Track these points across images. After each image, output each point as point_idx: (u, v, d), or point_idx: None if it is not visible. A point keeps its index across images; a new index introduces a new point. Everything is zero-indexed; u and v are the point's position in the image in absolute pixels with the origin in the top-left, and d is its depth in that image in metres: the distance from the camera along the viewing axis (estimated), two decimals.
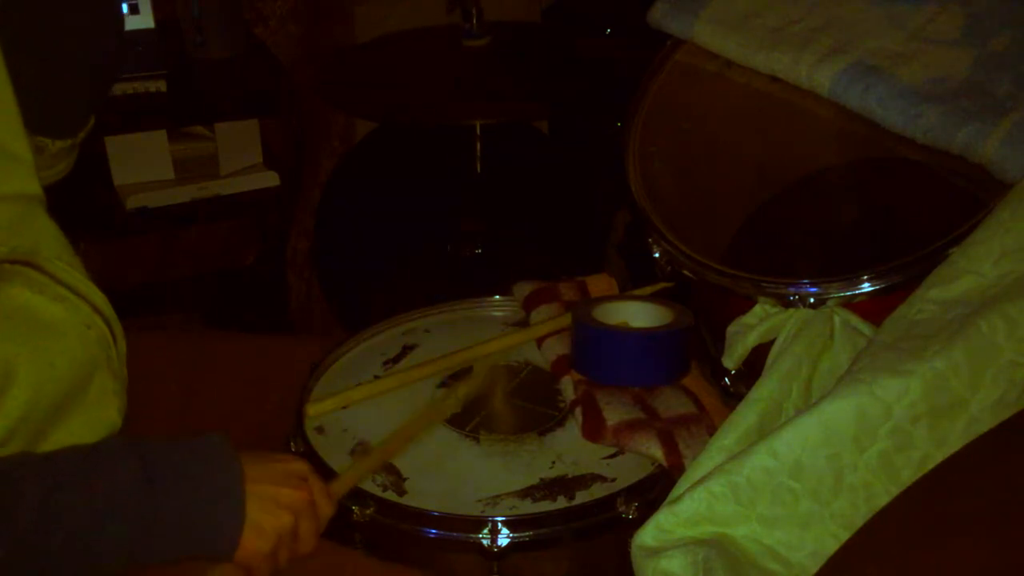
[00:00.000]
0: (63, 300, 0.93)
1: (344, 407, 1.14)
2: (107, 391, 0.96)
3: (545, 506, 1.01)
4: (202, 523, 0.84)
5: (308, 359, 1.20)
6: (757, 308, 1.12)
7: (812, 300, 1.07)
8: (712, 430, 1.04)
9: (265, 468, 0.88)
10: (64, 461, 0.82)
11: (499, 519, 0.98)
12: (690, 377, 1.16)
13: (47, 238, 0.96)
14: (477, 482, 1.04)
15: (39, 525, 0.78)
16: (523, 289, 1.31)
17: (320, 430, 1.12)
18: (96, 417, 0.95)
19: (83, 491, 0.80)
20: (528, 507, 1.01)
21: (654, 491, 1.02)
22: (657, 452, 1.04)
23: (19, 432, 0.88)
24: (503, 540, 0.98)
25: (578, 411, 1.11)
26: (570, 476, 1.05)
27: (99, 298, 0.97)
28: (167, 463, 0.83)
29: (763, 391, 1.00)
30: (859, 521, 0.86)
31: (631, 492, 1.01)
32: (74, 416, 0.93)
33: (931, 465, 0.87)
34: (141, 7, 1.91)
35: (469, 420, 1.12)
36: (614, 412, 1.09)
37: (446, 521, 0.99)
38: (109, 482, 0.80)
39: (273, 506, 0.86)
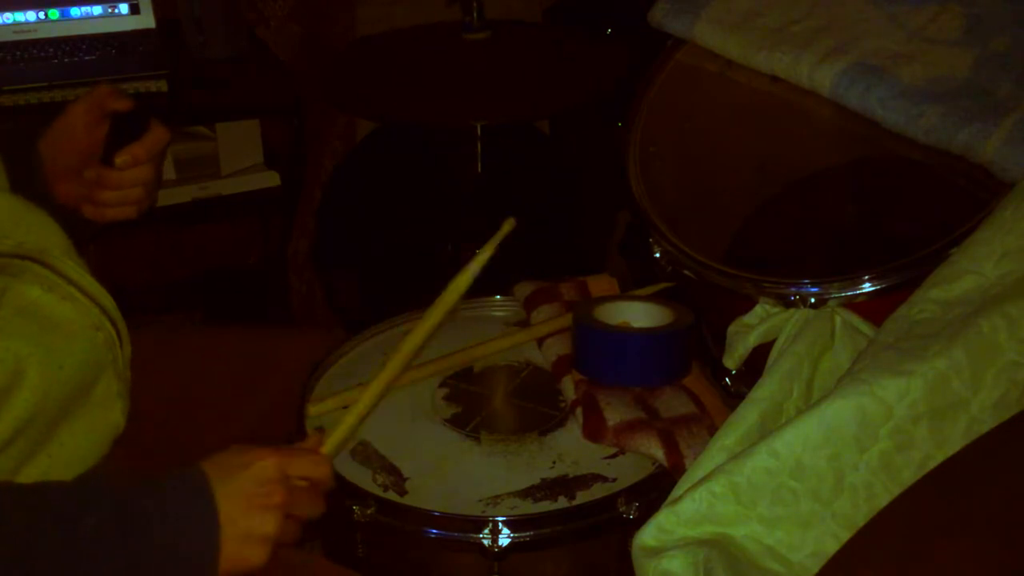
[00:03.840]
0: (73, 300, 0.93)
1: (345, 407, 1.14)
2: (112, 393, 0.96)
3: (546, 506, 1.01)
4: (177, 568, 0.81)
5: (307, 351, 1.19)
6: (758, 308, 1.12)
7: (813, 300, 1.08)
8: (713, 430, 1.04)
9: (235, 483, 0.84)
10: (44, 499, 0.80)
11: (500, 519, 0.98)
12: (691, 377, 1.16)
13: (54, 237, 0.96)
14: (478, 482, 1.04)
15: (13, 564, 0.76)
16: (524, 289, 1.31)
17: (321, 430, 1.12)
18: (100, 419, 0.95)
19: (59, 533, 0.78)
20: (529, 507, 1.01)
21: (655, 491, 1.01)
22: (658, 452, 1.04)
23: (25, 433, 0.88)
24: (504, 540, 0.98)
25: (579, 411, 1.11)
26: (571, 476, 1.05)
27: (107, 300, 0.96)
28: (141, 508, 0.81)
29: (764, 391, 1.00)
30: (860, 521, 0.86)
31: (632, 492, 1.01)
32: (79, 418, 0.93)
33: (932, 465, 0.87)
34: (142, 7, 1.92)
35: (470, 420, 1.12)
36: (615, 412, 1.09)
37: (447, 521, 0.99)
38: (85, 526, 0.78)
39: (249, 527, 0.83)
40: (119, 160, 1.02)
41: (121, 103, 1.04)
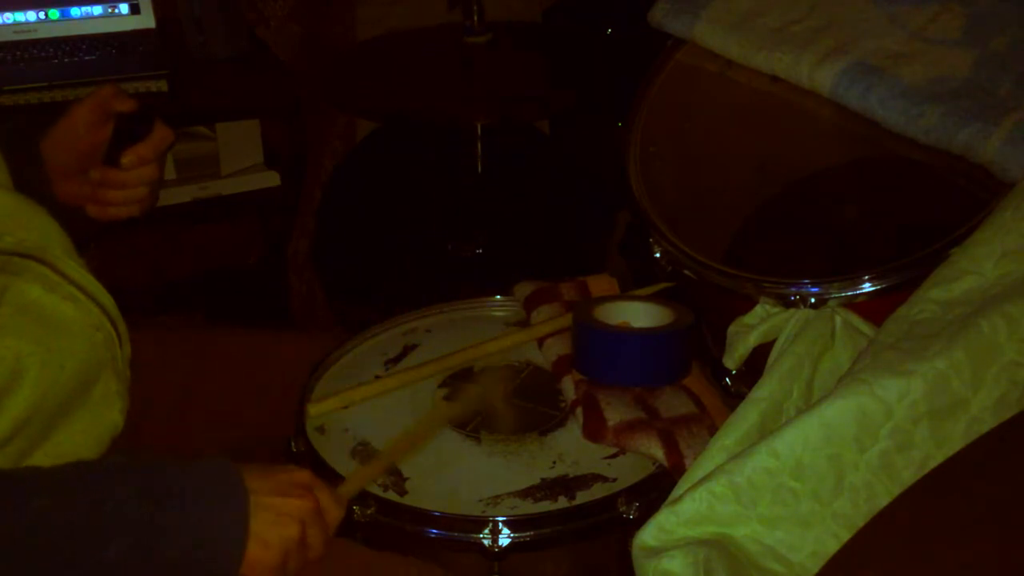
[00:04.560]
0: (74, 300, 0.93)
1: (345, 407, 1.14)
2: (111, 393, 0.96)
3: (546, 506, 1.01)
4: (205, 544, 0.82)
5: (308, 355, 1.20)
6: (758, 308, 1.12)
7: (813, 300, 1.08)
8: (713, 430, 1.04)
9: (268, 480, 0.87)
10: (69, 478, 0.82)
11: (500, 519, 0.98)
12: (691, 377, 1.16)
13: (55, 236, 0.96)
14: (478, 482, 1.04)
15: (39, 542, 0.77)
16: (524, 289, 1.31)
17: (321, 430, 1.12)
18: (99, 418, 0.95)
19: (86, 510, 0.79)
20: (529, 507, 1.01)
21: (655, 491, 1.01)
22: (658, 452, 1.04)
23: (23, 432, 0.88)
24: (504, 540, 0.98)
25: (579, 411, 1.11)
26: (571, 476, 1.05)
27: (107, 300, 0.97)
28: (170, 482, 0.82)
29: (764, 391, 1.00)
30: (860, 521, 0.86)
31: (632, 492, 1.01)
32: (77, 417, 0.93)
33: (932, 465, 0.87)
34: (142, 7, 1.92)
35: (470, 420, 1.12)
36: (615, 412, 1.09)
37: (447, 521, 0.99)
38: (112, 502, 0.79)
39: (278, 518, 0.85)
40: (125, 160, 1.03)
41: (125, 104, 1.05)
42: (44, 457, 0.91)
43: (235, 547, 0.83)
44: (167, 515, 0.81)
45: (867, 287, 1.06)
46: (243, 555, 0.83)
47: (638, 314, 1.18)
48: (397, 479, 1.04)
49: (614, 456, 1.07)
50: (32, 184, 1.01)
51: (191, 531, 0.82)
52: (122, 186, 1.05)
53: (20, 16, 1.87)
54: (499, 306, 1.33)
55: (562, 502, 1.01)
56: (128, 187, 1.06)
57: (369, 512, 1.00)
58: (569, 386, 1.14)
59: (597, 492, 1.02)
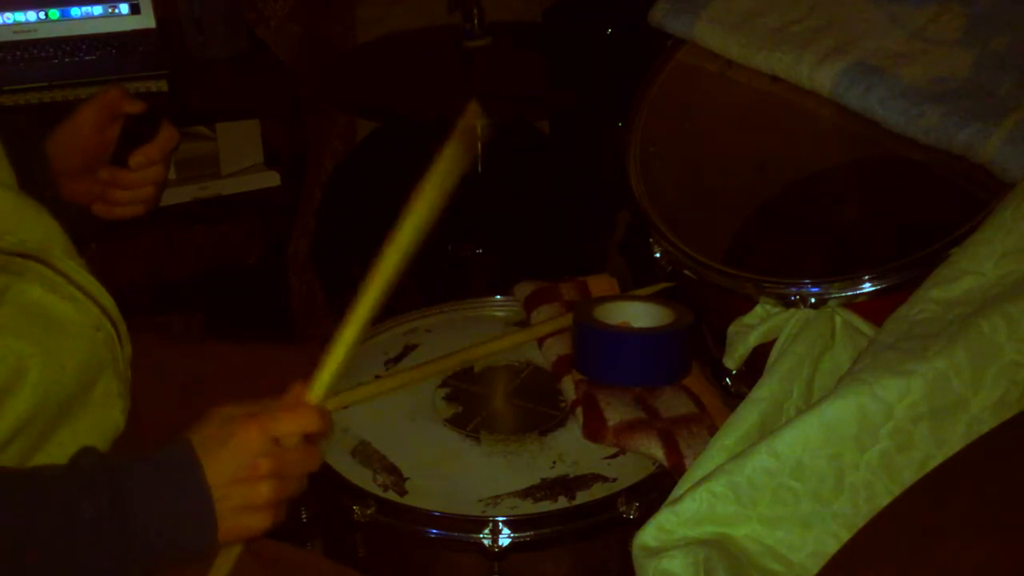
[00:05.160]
0: (74, 300, 0.93)
1: (345, 407, 1.14)
2: (112, 393, 0.96)
3: (546, 506, 1.01)
4: (173, 541, 0.82)
5: (307, 363, 1.20)
6: (758, 308, 1.12)
7: (813, 300, 1.08)
8: (713, 430, 1.04)
9: (219, 460, 0.83)
10: (40, 487, 0.81)
11: (500, 519, 0.98)
12: (691, 377, 1.16)
13: (56, 236, 0.96)
14: (478, 482, 1.04)
15: (11, 551, 0.77)
16: (524, 289, 1.31)
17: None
18: (100, 418, 0.95)
19: (54, 519, 0.78)
20: (529, 507, 1.01)
21: (655, 491, 1.01)
22: (658, 452, 1.04)
23: (24, 432, 0.88)
24: (504, 540, 0.98)
25: (579, 411, 1.11)
26: (571, 476, 1.05)
27: (107, 300, 0.97)
28: (135, 496, 0.81)
29: (764, 391, 1.00)
30: (860, 521, 0.86)
31: (632, 492, 1.01)
32: (79, 417, 0.93)
33: (932, 465, 0.87)
34: (142, 7, 1.92)
35: (470, 420, 1.12)
36: (615, 412, 1.09)
37: (447, 521, 0.99)
38: (82, 515, 0.78)
39: (243, 496, 0.83)
40: (133, 161, 1.05)
41: (134, 107, 1.06)
42: (46, 458, 0.91)
43: (205, 548, 0.83)
44: (135, 531, 0.79)
45: (867, 287, 1.06)
46: (214, 537, 0.83)
47: (638, 314, 1.18)
48: (397, 479, 1.04)
49: (614, 456, 1.07)
50: (38, 184, 1.02)
51: (158, 540, 0.81)
52: (130, 186, 1.07)
53: (20, 16, 1.87)
54: (499, 306, 1.33)
55: (562, 502, 1.01)
56: (135, 187, 1.08)
57: (369, 512, 1.00)
58: (569, 386, 1.14)
59: (597, 492, 1.02)
